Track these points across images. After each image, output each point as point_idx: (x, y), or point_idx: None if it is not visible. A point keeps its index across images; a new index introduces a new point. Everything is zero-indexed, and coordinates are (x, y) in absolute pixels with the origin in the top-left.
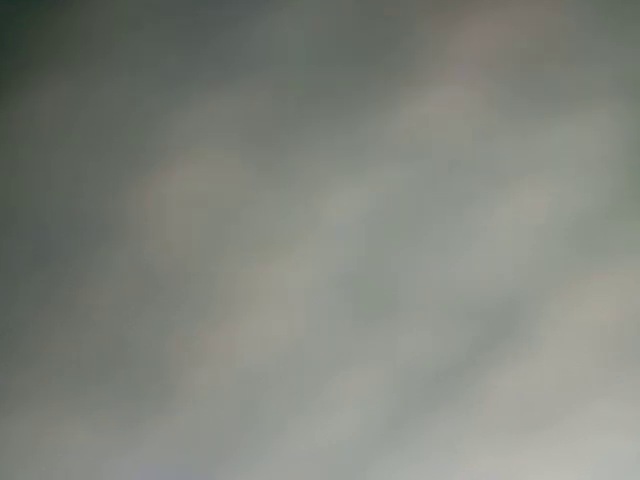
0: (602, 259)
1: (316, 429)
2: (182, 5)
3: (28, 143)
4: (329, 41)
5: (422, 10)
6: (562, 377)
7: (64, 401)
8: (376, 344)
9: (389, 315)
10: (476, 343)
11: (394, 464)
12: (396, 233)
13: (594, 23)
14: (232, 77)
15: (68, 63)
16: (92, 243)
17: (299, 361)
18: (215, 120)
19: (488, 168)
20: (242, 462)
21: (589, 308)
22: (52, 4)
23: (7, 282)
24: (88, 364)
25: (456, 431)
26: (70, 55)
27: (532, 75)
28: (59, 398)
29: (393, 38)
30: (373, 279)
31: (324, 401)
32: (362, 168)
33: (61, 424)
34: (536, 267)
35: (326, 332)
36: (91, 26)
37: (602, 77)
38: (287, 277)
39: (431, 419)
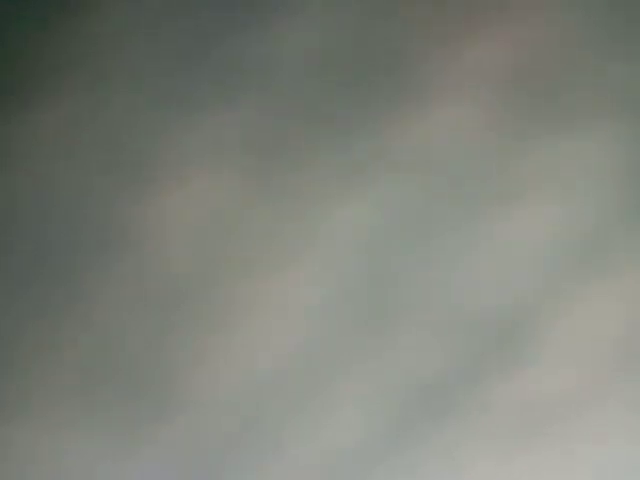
0: (602, 271)
1: (316, 439)
2: (182, 23)
3: (30, 159)
4: (330, 57)
5: (424, 28)
6: (562, 386)
7: (64, 405)
8: (376, 355)
9: (389, 328)
10: (477, 353)
11: (394, 472)
12: (396, 248)
13: (595, 41)
14: (232, 94)
15: (69, 81)
16: (93, 257)
17: (299, 373)
18: (216, 136)
19: (489, 184)
20: (242, 468)
21: (590, 318)
22: (53, 23)
23: (8, 293)
24: (88, 370)
25: (456, 439)
26: (71, 73)
27: (533, 92)
28: (59, 402)
29: (394, 56)
30: (373, 292)
31: (324, 411)
32: (362, 184)
33: (60, 428)
34: (536, 279)
35: (326, 344)
36: (92, 44)
37: (603, 94)
38: (287, 291)
39: (431, 428)
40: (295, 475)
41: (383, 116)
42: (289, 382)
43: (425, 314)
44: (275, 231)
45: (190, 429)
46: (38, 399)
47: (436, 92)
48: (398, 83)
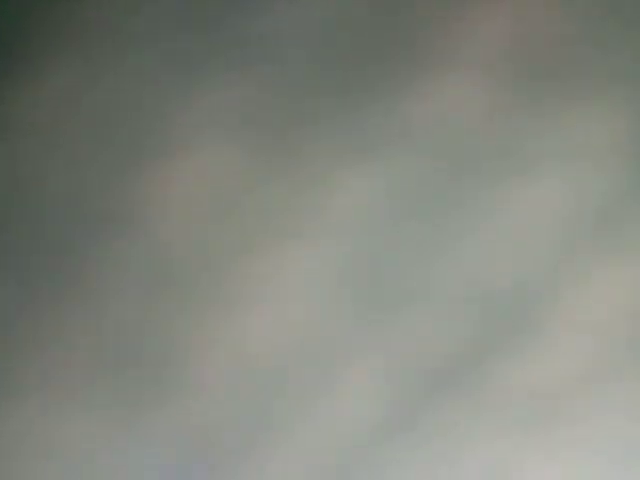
0: (614, 249)
1: (321, 420)
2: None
3: (28, 137)
4: (335, 27)
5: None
6: (569, 365)
7: (64, 381)
8: (382, 334)
9: (395, 305)
10: (483, 333)
11: (401, 453)
12: (403, 222)
13: (602, 18)
14: (233, 67)
15: (67, 55)
16: (96, 234)
17: (302, 353)
18: (217, 110)
19: (503, 158)
20: (246, 456)
21: (599, 297)
22: None
23: (10, 270)
24: (89, 346)
25: (463, 420)
26: (69, 47)
27: (550, 65)
28: (59, 378)
29: (402, 25)
30: (379, 268)
31: (329, 394)
32: (367, 159)
33: (62, 415)
34: (545, 257)
35: (331, 322)
36: (91, 18)
37: (611, 70)
38: (291, 268)
39: (438, 408)
40: (299, 461)
41: (389, 89)
42: (291, 366)
43: (432, 292)
44: (279, 206)
45: (192, 411)
46: (38, 374)
47: (450, 66)
48: (405, 54)
